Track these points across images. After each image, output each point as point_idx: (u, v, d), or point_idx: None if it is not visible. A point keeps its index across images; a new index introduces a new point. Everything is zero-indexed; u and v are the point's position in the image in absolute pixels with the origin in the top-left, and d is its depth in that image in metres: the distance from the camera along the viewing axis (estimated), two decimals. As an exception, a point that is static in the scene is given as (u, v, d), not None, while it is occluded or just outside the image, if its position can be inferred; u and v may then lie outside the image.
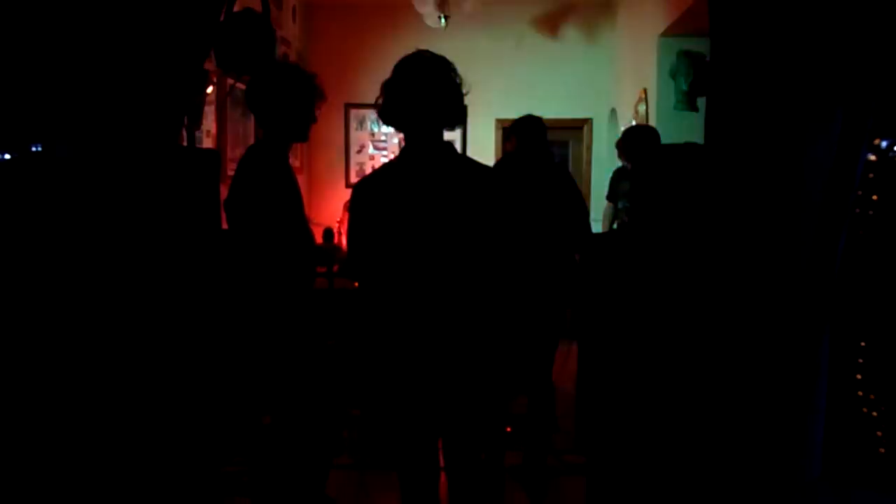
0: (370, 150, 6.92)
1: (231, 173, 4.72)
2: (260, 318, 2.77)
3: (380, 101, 2.27)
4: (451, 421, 2.31)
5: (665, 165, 2.55)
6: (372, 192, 2.23)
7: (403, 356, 2.22)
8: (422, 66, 2.22)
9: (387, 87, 2.25)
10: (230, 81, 4.27)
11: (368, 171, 6.91)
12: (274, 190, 2.71)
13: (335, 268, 3.54)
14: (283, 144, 2.81)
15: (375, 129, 6.88)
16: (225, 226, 2.83)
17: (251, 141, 5.21)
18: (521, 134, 3.56)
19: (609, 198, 5.16)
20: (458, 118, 2.27)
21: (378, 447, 3.77)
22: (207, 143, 4.48)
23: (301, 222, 2.84)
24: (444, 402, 2.26)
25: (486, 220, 2.19)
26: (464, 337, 2.21)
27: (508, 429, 3.82)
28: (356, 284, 3.50)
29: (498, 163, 3.90)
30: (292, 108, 2.73)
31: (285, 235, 2.74)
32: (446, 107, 2.22)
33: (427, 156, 2.22)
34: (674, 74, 4.82)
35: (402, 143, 2.33)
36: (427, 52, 2.26)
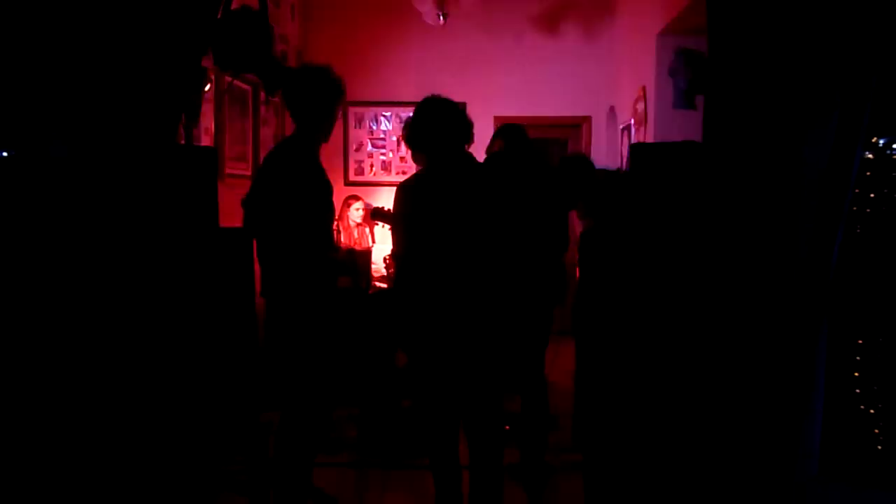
0: (368, 147, 6.92)
1: (229, 171, 4.75)
2: (284, 314, 2.85)
3: (405, 133, 2.87)
4: (473, 392, 2.73)
5: (663, 164, 2.55)
6: (410, 193, 2.75)
7: (433, 327, 2.69)
8: (436, 106, 2.81)
9: (413, 125, 2.83)
10: (228, 79, 4.27)
11: (367, 168, 6.96)
12: (311, 184, 2.84)
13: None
14: (316, 143, 2.95)
15: (374, 127, 6.88)
16: (238, 223, 2.89)
17: (249, 138, 5.21)
18: (507, 137, 3.77)
19: None
20: (468, 139, 2.86)
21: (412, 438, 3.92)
22: (205, 140, 4.46)
23: (328, 222, 2.98)
24: (469, 371, 2.70)
25: (500, 215, 2.71)
26: (484, 316, 2.67)
27: (507, 427, 3.82)
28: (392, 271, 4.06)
29: (485, 162, 3.95)
30: (330, 109, 2.93)
31: (314, 232, 2.84)
32: (460, 130, 2.81)
33: (452, 165, 2.76)
34: (672, 73, 4.81)
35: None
36: (437, 95, 2.84)
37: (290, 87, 2.91)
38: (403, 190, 2.77)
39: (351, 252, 3.19)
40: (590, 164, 3.93)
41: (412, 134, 2.83)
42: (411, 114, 2.85)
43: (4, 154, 2.41)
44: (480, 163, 2.91)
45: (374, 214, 4.21)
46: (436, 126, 2.76)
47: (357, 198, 6.19)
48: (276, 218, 2.80)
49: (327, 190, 2.94)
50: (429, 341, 2.71)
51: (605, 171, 4.39)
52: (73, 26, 2.35)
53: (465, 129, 2.81)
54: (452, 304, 2.65)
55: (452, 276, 2.65)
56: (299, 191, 2.78)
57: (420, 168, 2.90)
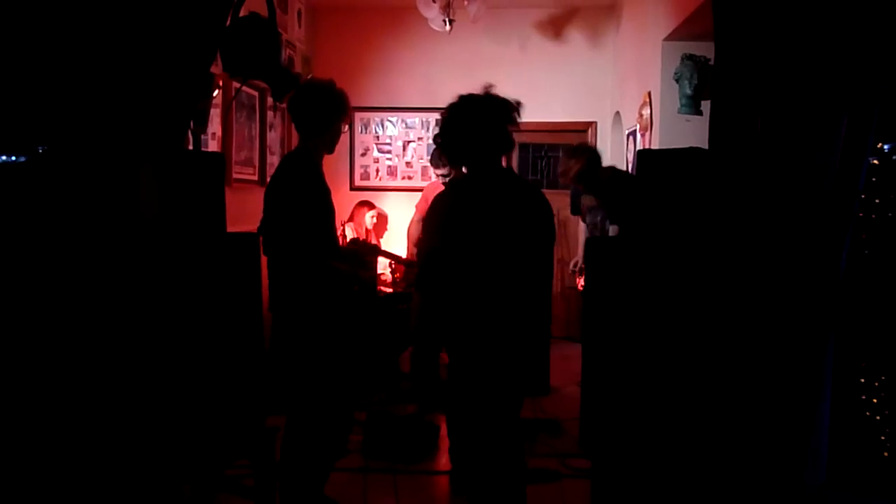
0: (374, 152, 6.94)
1: (236, 176, 4.77)
2: (290, 320, 2.91)
3: (438, 139, 2.70)
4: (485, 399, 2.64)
5: (668, 170, 2.55)
6: (441, 207, 2.84)
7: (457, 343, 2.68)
8: (476, 109, 2.60)
9: (445, 128, 2.64)
10: (236, 85, 4.29)
11: (373, 173, 6.97)
12: (309, 197, 2.90)
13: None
14: (318, 155, 3.03)
15: (380, 132, 6.89)
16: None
17: (257, 144, 5.23)
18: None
19: (574, 213, 5.29)
20: (508, 148, 2.72)
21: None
22: (213, 145, 4.49)
23: (330, 228, 3.03)
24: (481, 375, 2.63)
25: (533, 233, 2.59)
26: (507, 329, 2.60)
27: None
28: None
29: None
30: (332, 124, 3.00)
31: (314, 240, 2.88)
32: (499, 143, 2.65)
33: (487, 180, 2.63)
34: (678, 78, 4.82)
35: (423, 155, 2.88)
36: (473, 95, 2.63)
37: (294, 102, 2.98)
38: (438, 201, 2.87)
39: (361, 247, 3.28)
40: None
41: (445, 142, 2.67)
42: (442, 116, 2.67)
43: (14, 158, 2.43)
44: (520, 179, 2.85)
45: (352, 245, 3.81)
46: (471, 135, 2.59)
47: (371, 206, 6.41)
48: (278, 229, 2.88)
49: (327, 201, 3.00)
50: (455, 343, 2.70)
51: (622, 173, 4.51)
52: (82, 33, 2.37)
53: (504, 138, 2.64)
54: (472, 313, 2.60)
55: (477, 292, 2.58)
56: (299, 203, 2.85)
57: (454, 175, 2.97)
